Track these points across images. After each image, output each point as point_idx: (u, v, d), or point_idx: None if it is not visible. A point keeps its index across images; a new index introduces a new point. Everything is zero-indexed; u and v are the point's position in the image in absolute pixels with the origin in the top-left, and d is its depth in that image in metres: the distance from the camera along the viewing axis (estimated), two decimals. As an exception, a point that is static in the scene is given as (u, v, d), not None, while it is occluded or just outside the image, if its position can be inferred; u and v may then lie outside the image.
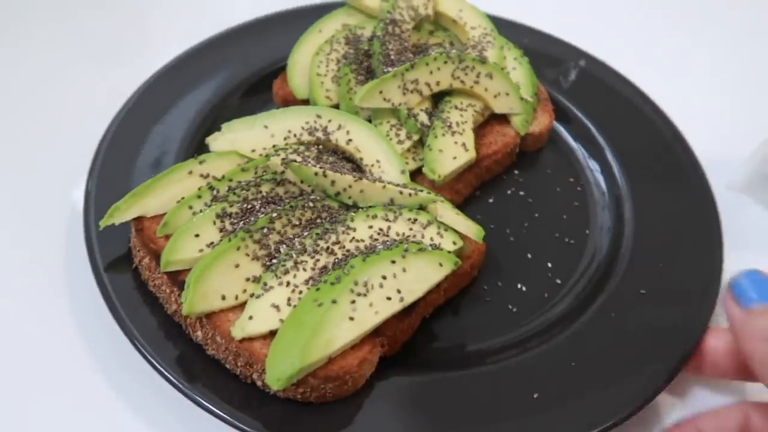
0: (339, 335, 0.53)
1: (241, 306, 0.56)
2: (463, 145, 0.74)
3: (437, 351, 0.62)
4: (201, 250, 0.59)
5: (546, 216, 0.76)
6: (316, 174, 0.63)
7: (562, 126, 0.86)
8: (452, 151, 0.73)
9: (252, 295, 0.56)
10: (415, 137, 0.74)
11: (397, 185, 0.65)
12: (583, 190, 0.79)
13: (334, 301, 0.54)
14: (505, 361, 0.60)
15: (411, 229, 0.63)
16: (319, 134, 0.70)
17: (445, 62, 0.75)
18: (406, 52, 0.79)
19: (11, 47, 0.92)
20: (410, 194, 0.65)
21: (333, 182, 0.64)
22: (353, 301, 0.55)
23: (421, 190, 0.66)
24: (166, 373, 0.54)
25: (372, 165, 0.69)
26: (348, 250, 0.60)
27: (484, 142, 0.79)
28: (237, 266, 0.57)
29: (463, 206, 0.76)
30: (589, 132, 0.84)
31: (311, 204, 0.63)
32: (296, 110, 0.71)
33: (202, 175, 0.66)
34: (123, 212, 0.61)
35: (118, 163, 0.72)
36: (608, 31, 1.04)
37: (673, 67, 0.99)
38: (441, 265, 0.60)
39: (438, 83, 0.76)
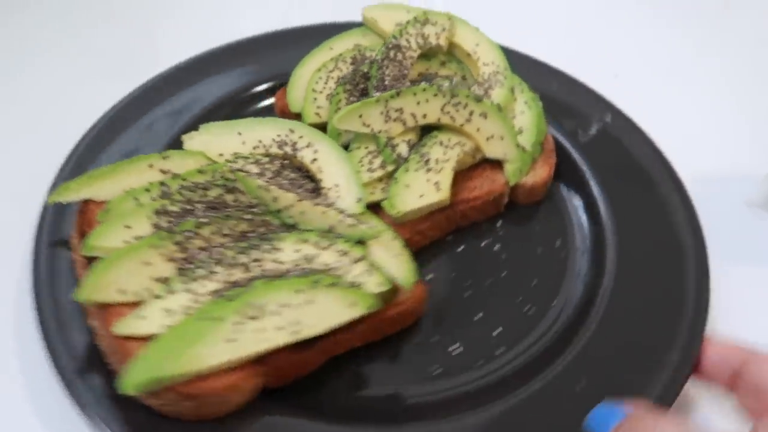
0: (211, 354, 0.51)
1: (136, 305, 0.56)
2: (436, 184, 0.70)
3: (330, 395, 0.59)
4: (126, 242, 0.60)
5: (515, 277, 0.70)
6: (259, 187, 0.62)
7: (567, 184, 0.79)
8: (421, 189, 0.69)
9: (156, 296, 0.56)
10: (389, 168, 0.71)
11: (341, 212, 0.63)
12: (566, 257, 0.72)
13: (218, 319, 0.53)
14: (388, 425, 0.56)
15: (339, 262, 0.60)
16: (288, 149, 0.69)
17: (435, 95, 0.72)
18: (403, 80, 0.76)
19: (19, 65, 0.94)
20: (349, 225, 0.62)
21: (275, 198, 0.63)
22: (240, 323, 0.53)
23: (366, 223, 0.63)
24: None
25: (330, 188, 0.67)
26: (264, 270, 0.58)
27: (468, 186, 0.74)
28: (148, 264, 0.57)
29: (426, 249, 0.72)
30: (593, 199, 0.76)
31: (249, 216, 0.62)
32: (271, 122, 0.71)
33: (162, 171, 0.67)
34: (73, 192, 0.64)
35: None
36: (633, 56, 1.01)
37: (689, 83, 0.99)
38: (353, 305, 0.57)
39: (425, 116, 0.72)
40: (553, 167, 0.76)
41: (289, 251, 0.60)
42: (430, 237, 0.72)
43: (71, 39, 0.99)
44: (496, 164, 0.75)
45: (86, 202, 0.64)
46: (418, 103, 0.72)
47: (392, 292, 0.60)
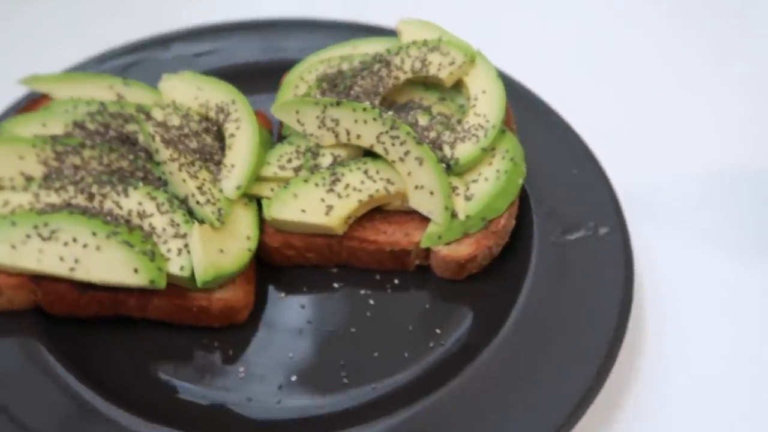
0: (-8, 250, 0.55)
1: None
2: (329, 207, 0.64)
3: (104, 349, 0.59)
4: (35, 136, 0.66)
5: (360, 339, 0.62)
6: (150, 134, 0.64)
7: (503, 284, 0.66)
8: (308, 205, 0.64)
9: (12, 188, 0.61)
10: (301, 174, 0.67)
11: (200, 186, 0.62)
12: (430, 349, 0.61)
13: (14, 223, 0.56)
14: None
15: (164, 229, 0.59)
16: (221, 116, 0.70)
17: (374, 119, 0.65)
18: (374, 97, 0.70)
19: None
20: (197, 201, 0.61)
21: (157, 150, 0.64)
22: (30, 236, 0.56)
23: (216, 205, 0.61)
24: None
25: (226, 165, 0.66)
26: (102, 207, 0.60)
27: (377, 227, 0.66)
28: (22, 158, 0.63)
29: (301, 270, 0.66)
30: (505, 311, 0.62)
31: (132, 157, 0.64)
32: (223, 87, 0.72)
33: (118, 95, 0.72)
34: (42, 83, 0.72)
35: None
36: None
37: (705, 80, 0.95)
38: (136, 271, 0.56)
39: (359, 136, 0.66)
40: (480, 249, 0.65)
41: (133, 200, 0.61)
42: (309, 259, 0.66)
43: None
44: (427, 220, 0.66)
45: (39, 101, 0.72)
46: (356, 120, 0.66)
47: (187, 280, 0.58)
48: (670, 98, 0.92)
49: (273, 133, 0.76)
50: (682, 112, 0.90)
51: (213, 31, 0.88)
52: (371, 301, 0.65)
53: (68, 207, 0.60)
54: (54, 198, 0.61)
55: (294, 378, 0.59)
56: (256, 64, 0.85)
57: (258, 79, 0.81)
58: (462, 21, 0.84)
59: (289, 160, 0.68)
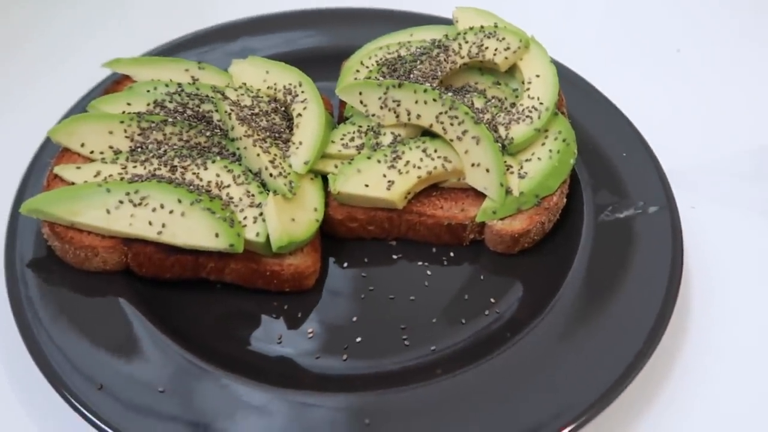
0: (86, 213, 0.61)
1: (88, 160, 0.67)
2: (391, 182, 0.68)
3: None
4: (122, 112, 0.71)
5: (417, 307, 0.66)
6: (225, 112, 0.69)
7: (556, 255, 0.69)
8: (371, 180, 0.68)
9: (102, 160, 0.67)
10: (364, 151, 0.71)
11: (272, 161, 0.66)
12: (484, 317, 0.65)
13: (108, 191, 0.62)
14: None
15: (240, 199, 0.64)
16: (288, 97, 0.74)
17: (435, 100, 0.69)
18: (432, 80, 0.74)
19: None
20: (270, 174, 0.65)
21: (232, 128, 0.68)
22: (122, 202, 0.61)
23: (287, 178, 0.66)
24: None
25: (294, 143, 0.70)
26: (184, 178, 0.65)
27: (433, 201, 0.70)
28: (111, 133, 0.68)
29: (361, 242, 0.70)
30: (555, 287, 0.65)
31: (209, 134, 0.69)
32: (290, 71, 0.76)
33: (193, 77, 0.77)
34: (123, 65, 0.77)
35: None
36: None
37: (752, 57, 0.98)
38: (217, 235, 0.61)
39: (419, 116, 0.70)
40: (535, 225, 0.68)
41: (211, 172, 0.66)
42: (370, 232, 0.71)
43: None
44: (482, 197, 0.70)
45: (121, 82, 0.77)
46: (416, 101, 0.70)
47: (269, 248, 0.62)
48: (713, 79, 0.94)
49: (333, 115, 0.80)
50: (723, 94, 0.92)
51: (267, 23, 0.93)
52: (428, 272, 0.69)
53: (153, 177, 0.65)
54: (140, 169, 0.66)
55: (359, 339, 0.63)
56: (311, 52, 0.89)
57: (315, 66, 0.84)
58: (506, 10, 0.86)
59: (352, 139, 0.73)
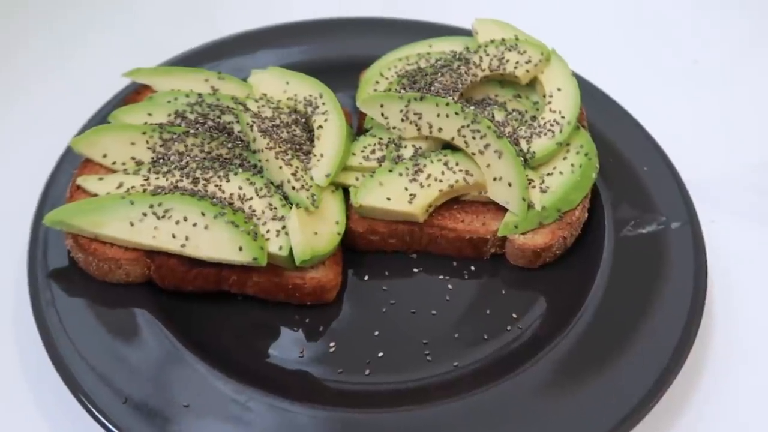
0: (110, 225, 0.61)
1: (110, 170, 0.67)
2: (412, 196, 0.68)
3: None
4: (143, 123, 0.71)
5: (439, 321, 0.65)
6: (248, 124, 0.69)
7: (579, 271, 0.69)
8: (393, 193, 0.68)
9: (124, 171, 0.67)
10: (385, 164, 0.71)
11: (295, 173, 0.66)
12: (506, 332, 0.65)
13: (132, 203, 0.62)
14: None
15: (263, 212, 0.64)
16: (309, 109, 0.74)
17: (456, 113, 0.69)
18: (453, 93, 0.73)
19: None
20: (293, 187, 0.65)
21: (254, 139, 0.68)
22: (146, 215, 0.61)
23: (310, 191, 0.66)
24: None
25: (316, 155, 0.70)
26: (206, 190, 0.65)
27: (455, 215, 0.70)
28: (133, 144, 0.68)
29: (382, 255, 0.70)
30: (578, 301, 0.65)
31: (230, 145, 0.69)
32: (311, 82, 0.76)
33: (213, 87, 0.77)
34: (143, 75, 0.77)
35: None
36: None
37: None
38: (240, 249, 0.60)
39: (440, 129, 0.70)
40: (557, 240, 0.68)
41: (233, 185, 0.66)
42: (391, 245, 0.70)
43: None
44: (504, 210, 0.70)
45: (142, 92, 0.77)
46: (438, 115, 0.70)
47: (291, 262, 0.62)
48: (730, 91, 0.94)
49: (352, 126, 0.80)
50: (741, 105, 0.92)
51: (285, 32, 0.92)
52: (450, 286, 0.69)
53: (176, 189, 0.65)
54: (162, 181, 0.66)
55: (381, 354, 0.63)
56: (329, 62, 0.89)
57: (333, 76, 0.84)
58: (524, 22, 0.86)
59: (373, 151, 0.72)
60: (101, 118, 0.76)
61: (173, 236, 0.61)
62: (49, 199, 0.69)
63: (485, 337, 0.64)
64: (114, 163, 0.68)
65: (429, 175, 0.69)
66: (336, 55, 0.90)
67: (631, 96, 0.85)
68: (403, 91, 0.76)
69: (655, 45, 1.02)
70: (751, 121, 0.91)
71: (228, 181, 0.66)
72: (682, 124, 0.89)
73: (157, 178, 0.66)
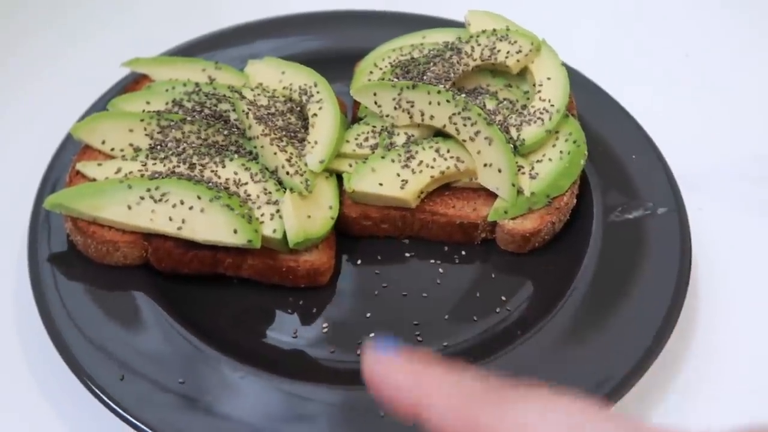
0: (108, 208, 0.62)
1: (109, 157, 0.69)
2: (404, 182, 0.69)
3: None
4: (142, 110, 0.73)
5: (430, 303, 0.67)
6: (243, 111, 0.70)
7: (566, 254, 0.71)
8: (385, 179, 0.70)
9: (123, 157, 0.69)
10: (378, 151, 0.73)
11: (289, 159, 0.68)
12: (495, 314, 0.66)
13: (130, 186, 0.63)
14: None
15: (258, 196, 0.66)
16: (304, 97, 0.76)
17: (448, 101, 0.70)
18: (445, 82, 0.75)
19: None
20: (287, 172, 0.67)
21: (250, 126, 0.70)
22: (143, 198, 0.63)
23: (303, 176, 0.67)
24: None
25: (310, 142, 0.72)
26: (203, 175, 0.67)
27: (446, 201, 0.71)
28: (131, 131, 0.70)
29: (374, 239, 0.72)
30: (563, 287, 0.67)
31: (227, 132, 0.71)
32: (306, 71, 0.78)
33: (210, 77, 0.79)
34: (142, 65, 0.79)
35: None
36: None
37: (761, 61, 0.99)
38: (235, 232, 0.62)
39: (432, 117, 0.72)
40: (546, 225, 0.69)
41: (229, 170, 0.67)
42: (383, 230, 0.72)
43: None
44: (494, 196, 0.71)
45: (138, 81, 0.79)
46: (430, 103, 0.71)
47: (285, 244, 0.64)
48: (721, 83, 0.95)
49: (346, 115, 0.82)
50: (732, 97, 0.93)
51: (281, 25, 0.94)
52: (440, 270, 0.70)
53: (173, 174, 0.67)
54: (159, 167, 0.68)
55: (373, 335, 0.64)
56: (325, 54, 0.90)
57: (328, 67, 0.85)
58: (517, 14, 0.87)
59: (366, 139, 0.74)
60: (101, 106, 0.78)
61: (170, 219, 0.63)
62: (49, 184, 0.71)
63: (474, 318, 0.66)
64: (113, 149, 0.70)
65: (421, 162, 0.71)
66: (332, 47, 0.91)
67: (622, 87, 0.86)
68: (396, 80, 0.77)
69: (647, 37, 1.03)
70: (742, 112, 0.92)
71: (224, 166, 0.68)
72: (671, 115, 0.90)
73: (155, 164, 0.68)
